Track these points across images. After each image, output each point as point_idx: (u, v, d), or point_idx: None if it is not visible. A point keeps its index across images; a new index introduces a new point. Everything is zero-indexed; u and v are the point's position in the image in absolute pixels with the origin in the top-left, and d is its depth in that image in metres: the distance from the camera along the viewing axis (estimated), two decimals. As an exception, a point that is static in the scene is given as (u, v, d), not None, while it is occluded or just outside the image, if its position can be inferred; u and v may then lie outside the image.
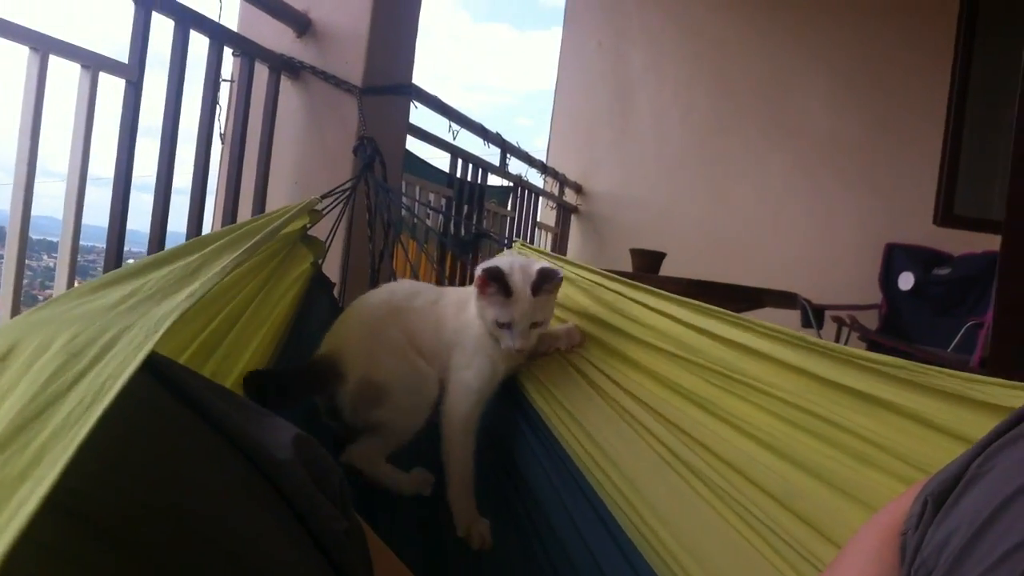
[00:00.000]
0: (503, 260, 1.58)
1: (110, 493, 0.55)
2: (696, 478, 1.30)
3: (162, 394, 0.66)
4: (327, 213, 2.05)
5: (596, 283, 1.67)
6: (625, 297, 1.58)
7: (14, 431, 0.52)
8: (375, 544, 0.89)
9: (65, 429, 0.52)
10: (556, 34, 6.42)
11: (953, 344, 4.61)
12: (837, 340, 4.68)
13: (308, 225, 1.85)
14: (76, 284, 2.15)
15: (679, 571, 1.23)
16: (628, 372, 1.52)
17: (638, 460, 1.39)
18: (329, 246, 2.06)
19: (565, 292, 1.69)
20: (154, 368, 0.67)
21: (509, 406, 1.68)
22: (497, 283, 1.50)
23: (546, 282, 1.52)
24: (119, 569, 0.54)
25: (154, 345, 0.64)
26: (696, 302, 1.43)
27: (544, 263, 1.56)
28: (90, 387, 0.56)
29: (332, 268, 2.15)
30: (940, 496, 0.71)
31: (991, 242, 4.40)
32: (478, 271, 1.52)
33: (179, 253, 0.98)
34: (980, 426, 0.96)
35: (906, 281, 5.15)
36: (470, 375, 1.58)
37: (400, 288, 1.75)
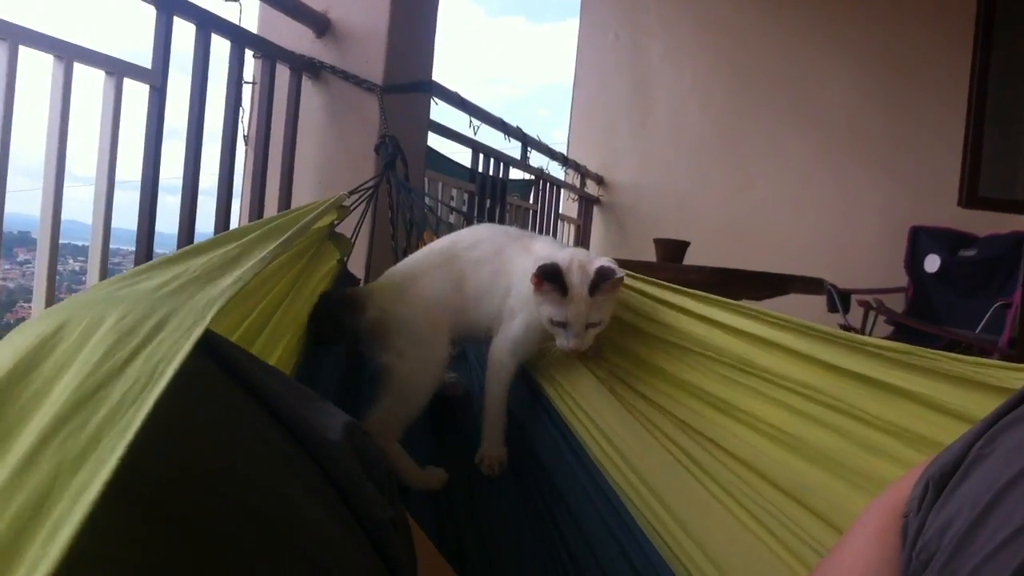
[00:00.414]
0: (563, 255, 1.52)
1: (162, 470, 0.56)
2: (709, 478, 1.30)
3: (212, 372, 0.67)
4: (353, 210, 2.07)
5: None
6: (643, 295, 1.56)
7: (72, 407, 0.53)
8: (419, 537, 0.89)
9: (122, 409, 0.53)
10: (572, 25, 6.43)
11: (981, 325, 4.58)
12: (864, 324, 4.66)
13: (336, 221, 1.86)
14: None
15: (695, 570, 1.23)
16: (642, 373, 1.51)
17: (651, 459, 1.39)
18: (354, 244, 2.08)
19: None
20: (209, 346, 0.68)
21: (531, 399, 1.69)
22: (554, 281, 1.46)
23: (604, 281, 1.46)
24: (172, 544, 0.55)
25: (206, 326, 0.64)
26: (702, 293, 1.43)
27: (605, 261, 1.50)
28: (144, 368, 0.56)
29: (356, 267, 2.16)
30: (941, 479, 0.71)
31: (1017, 222, 4.39)
32: (534, 267, 1.47)
33: (216, 243, 0.97)
34: (990, 409, 0.97)
35: (932, 263, 5.11)
36: (515, 325, 1.58)
37: (469, 234, 1.76)
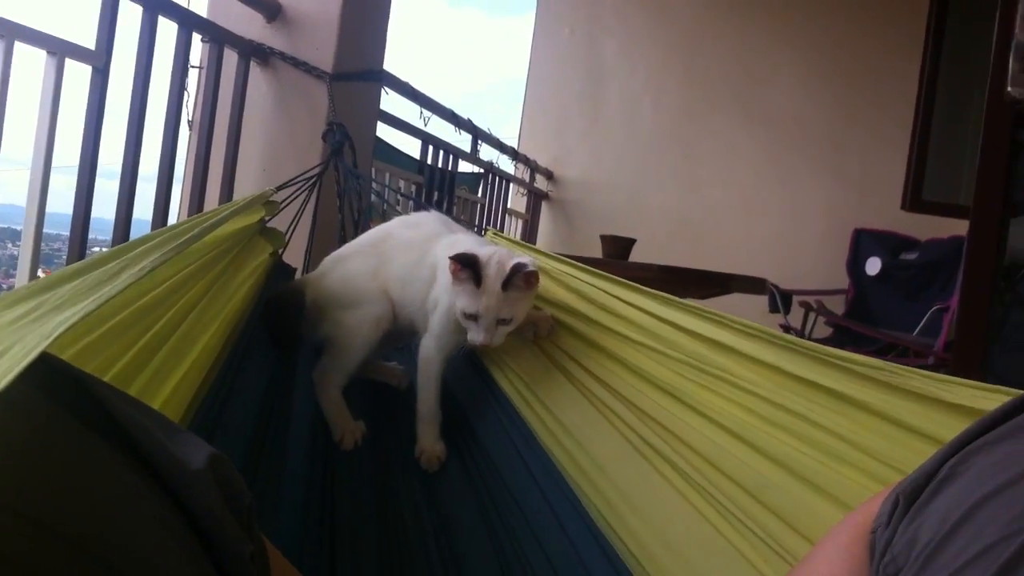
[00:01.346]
0: (485, 249, 1.55)
1: None
2: (667, 464, 1.30)
3: (48, 405, 0.65)
4: (289, 203, 2.04)
5: (569, 273, 1.66)
6: (597, 288, 1.57)
7: None
8: (282, 567, 0.89)
9: None
10: (528, 20, 6.41)
11: (918, 328, 4.66)
12: (804, 324, 4.73)
13: (267, 217, 1.84)
14: (40, 273, 2.13)
15: (646, 559, 1.24)
16: (599, 359, 1.51)
17: (607, 445, 1.39)
18: (292, 234, 2.05)
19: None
20: (51, 372, 0.66)
21: (478, 385, 1.70)
22: (470, 270, 1.48)
23: (517, 277, 1.48)
24: None
25: (86, 357, 0.62)
26: (671, 296, 1.43)
27: (524, 258, 1.51)
28: None
29: (297, 257, 2.14)
30: (912, 494, 0.71)
31: (958, 227, 4.46)
32: (452, 255, 1.49)
33: (100, 260, 0.94)
34: (950, 427, 0.97)
35: (873, 266, 5.19)
36: (436, 318, 1.61)
37: (412, 217, 1.84)
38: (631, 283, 1.51)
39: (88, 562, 0.59)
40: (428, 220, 1.79)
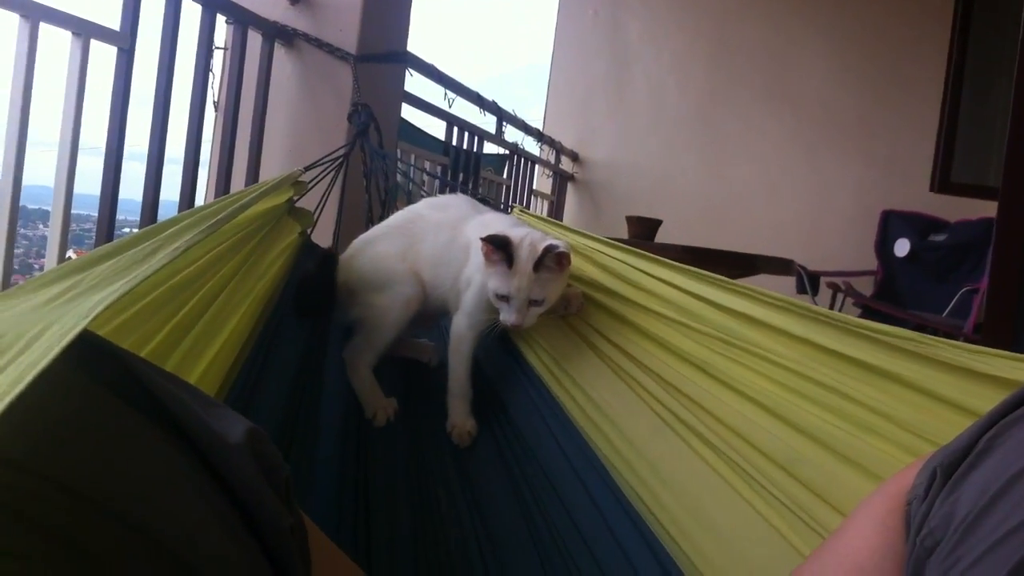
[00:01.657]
0: (517, 231, 1.55)
1: (34, 482, 0.55)
2: (698, 439, 1.29)
3: (88, 384, 0.65)
4: (316, 183, 2.04)
5: (597, 249, 1.65)
6: (626, 264, 1.56)
7: None
8: (320, 541, 0.89)
9: None
10: (552, 3, 6.38)
11: (948, 310, 4.62)
12: (832, 306, 4.69)
13: (295, 197, 1.84)
14: (70, 254, 2.15)
15: (678, 532, 1.24)
16: (628, 334, 1.50)
17: (638, 421, 1.39)
18: (320, 214, 2.05)
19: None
20: (92, 348, 0.66)
21: (508, 363, 1.71)
22: (503, 252, 1.49)
23: (548, 258, 1.48)
24: (45, 557, 0.54)
25: (121, 336, 0.62)
26: (698, 270, 1.42)
27: (556, 240, 1.51)
28: (6, 379, 0.53)
29: (324, 237, 2.14)
30: (949, 467, 0.70)
31: (987, 208, 4.42)
32: (484, 237, 1.50)
33: (133, 241, 0.95)
34: (984, 398, 0.96)
35: (902, 248, 5.15)
36: (468, 297, 1.62)
37: (441, 199, 1.87)
38: (659, 257, 1.50)
39: (130, 535, 0.60)
40: (456, 202, 1.81)
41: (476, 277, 1.59)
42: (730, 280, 1.36)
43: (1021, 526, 0.57)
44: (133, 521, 0.60)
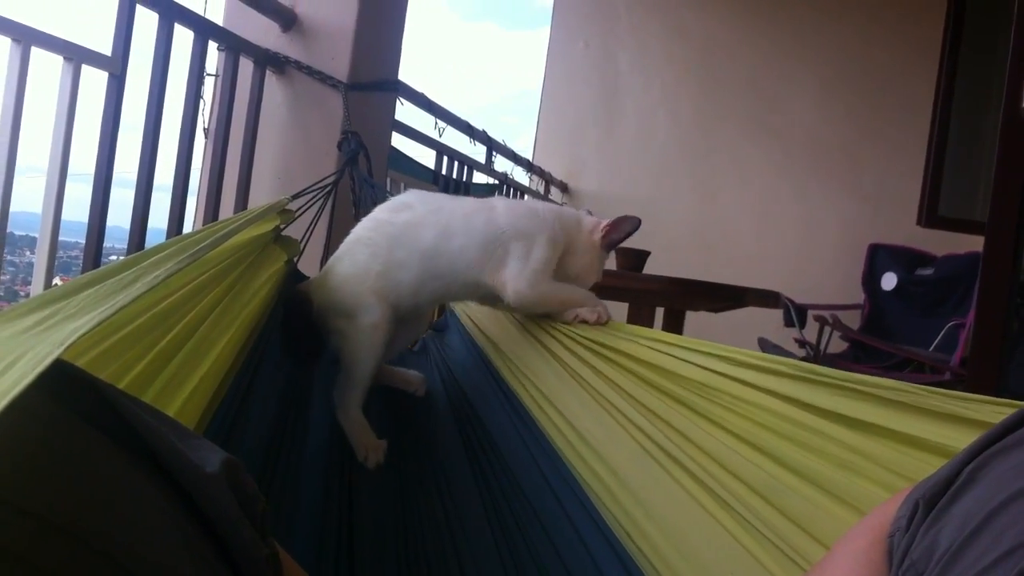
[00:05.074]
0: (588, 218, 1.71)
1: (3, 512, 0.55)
2: (680, 468, 1.28)
3: (61, 412, 0.65)
4: (304, 211, 2.04)
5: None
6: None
7: None
8: (296, 572, 0.89)
9: None
10: (543, 34, 6.43)
11: (934, 344, 4.64)
12: (819, 339, 4.70)
13: (281, 226, 1.84)
14: (56, 280, 2.13)
15: (661, 563, 1.23)
16: (611, 375, 1.48)
17: (619, 449, 1.38)
18: (307, 242, 2.05)
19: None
20: (64, 378, 0.66)
21: (490, 386, 1.70)
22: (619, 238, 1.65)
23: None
24: None
25: (100, 365, 0.62)
26: (679, 337, 1.42)
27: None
28: None
29: (313, 265, 2.14)
30: (931, 499, 0.71)
31: (974, 243, 4.45)
32: (597, 219, 1.66)
33: (115, 269, 0.95)
34: (967, 443, 0.97)
35: (889, 281, 5.18)
36: (535, 255, 1.61)
37: (390, 203, 1.76)
38: (635, 336, 1.49)
39: (98, 562, 0.59)
40: (411, 198, 1.75)
41: (534, 244, 1.60)
42: (706, 342, 1.36)
43: (1004, 557, 0.57)
44: (100, 548, 0.59)
